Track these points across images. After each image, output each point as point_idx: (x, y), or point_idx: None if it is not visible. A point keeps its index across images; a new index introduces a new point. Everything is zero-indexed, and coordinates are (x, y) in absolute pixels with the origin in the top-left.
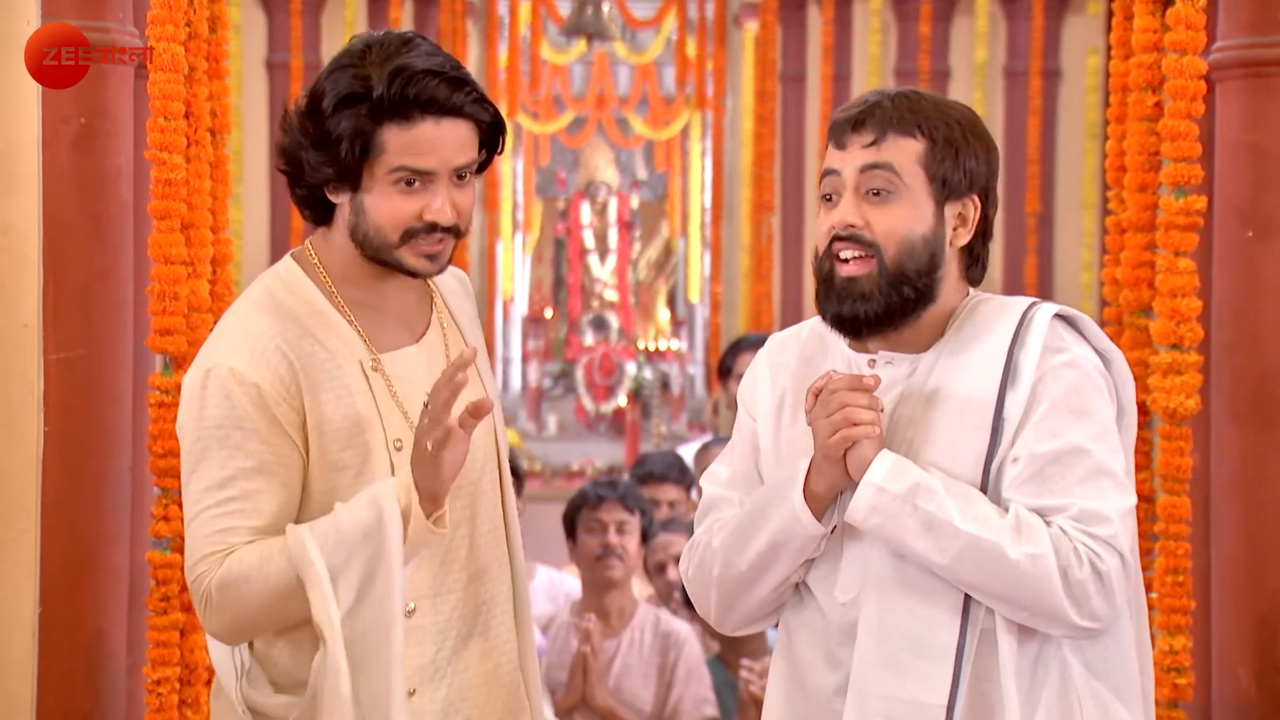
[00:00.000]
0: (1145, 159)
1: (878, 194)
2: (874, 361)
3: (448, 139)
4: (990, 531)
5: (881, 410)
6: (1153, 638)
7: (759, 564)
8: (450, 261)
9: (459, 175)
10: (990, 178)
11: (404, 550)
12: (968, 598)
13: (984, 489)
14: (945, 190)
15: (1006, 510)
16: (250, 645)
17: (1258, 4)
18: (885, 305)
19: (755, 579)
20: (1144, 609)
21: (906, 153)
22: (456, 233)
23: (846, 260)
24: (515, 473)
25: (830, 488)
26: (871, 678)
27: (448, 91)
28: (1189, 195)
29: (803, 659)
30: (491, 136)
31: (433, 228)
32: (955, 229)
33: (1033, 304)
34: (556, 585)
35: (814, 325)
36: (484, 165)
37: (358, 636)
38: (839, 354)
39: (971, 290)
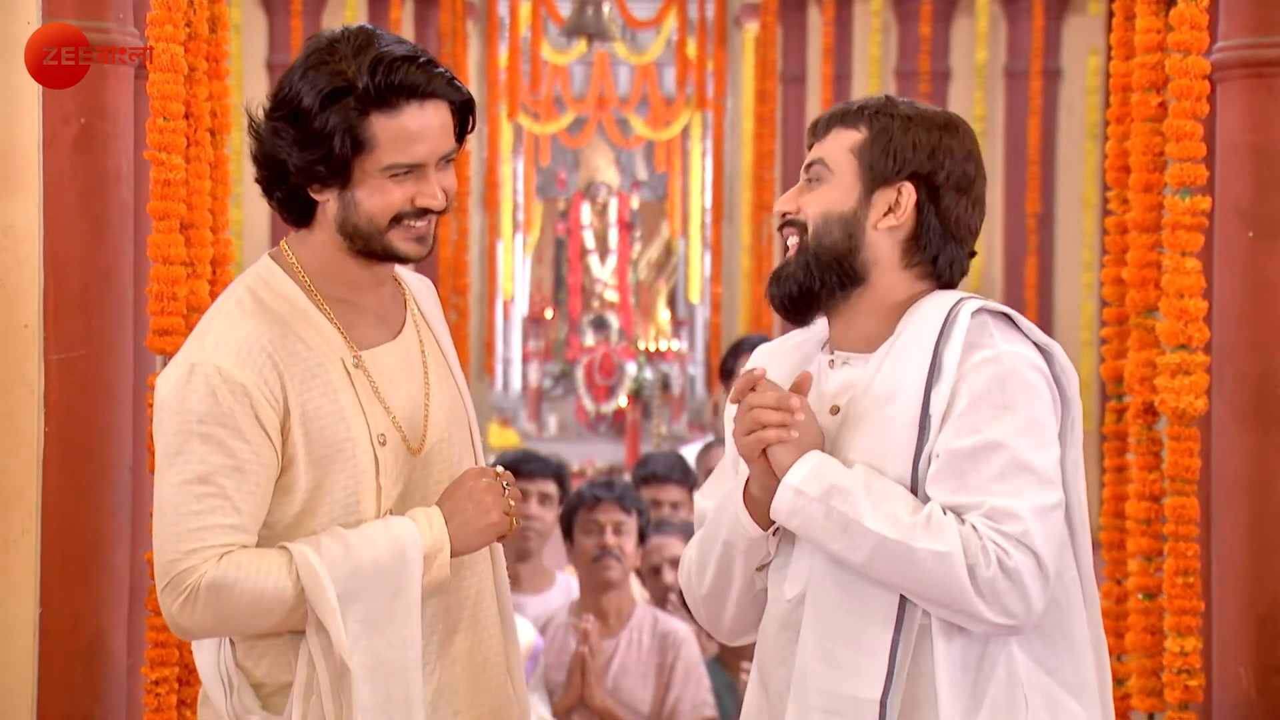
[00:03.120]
0: (1150, 159)
1: (811, 183)
2: (834, 362)
3: (433, 124)
4: (898, 531)
5: (806, 411)
6: (1162, 639)
7: (721, 568)
8: (433, 245)
9: (444, 160)
10: (935, 170)
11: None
12: (903, 595)
13: (914, 485)
14: (872, 175)
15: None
16: (233, 657)
17: (1259, 4)
18: (806, 280)
19: (723, 586)
20: (1096, 605)
21: (842, 142)
22: (439, 213)
23: (788, 247)
24: (561, 483)
25: (762, 489)
26: (811, 672)
27: (425, 75)
28: (1194, 195)
29: (762, 657)
30: (463, 116)
31: (422, 212)
32: (885, 214)
33: (959, 300)
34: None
35: (808, 335)
36: (459, 142)
37: (369, 670)
38: (815, 361)
39: (937, 290)
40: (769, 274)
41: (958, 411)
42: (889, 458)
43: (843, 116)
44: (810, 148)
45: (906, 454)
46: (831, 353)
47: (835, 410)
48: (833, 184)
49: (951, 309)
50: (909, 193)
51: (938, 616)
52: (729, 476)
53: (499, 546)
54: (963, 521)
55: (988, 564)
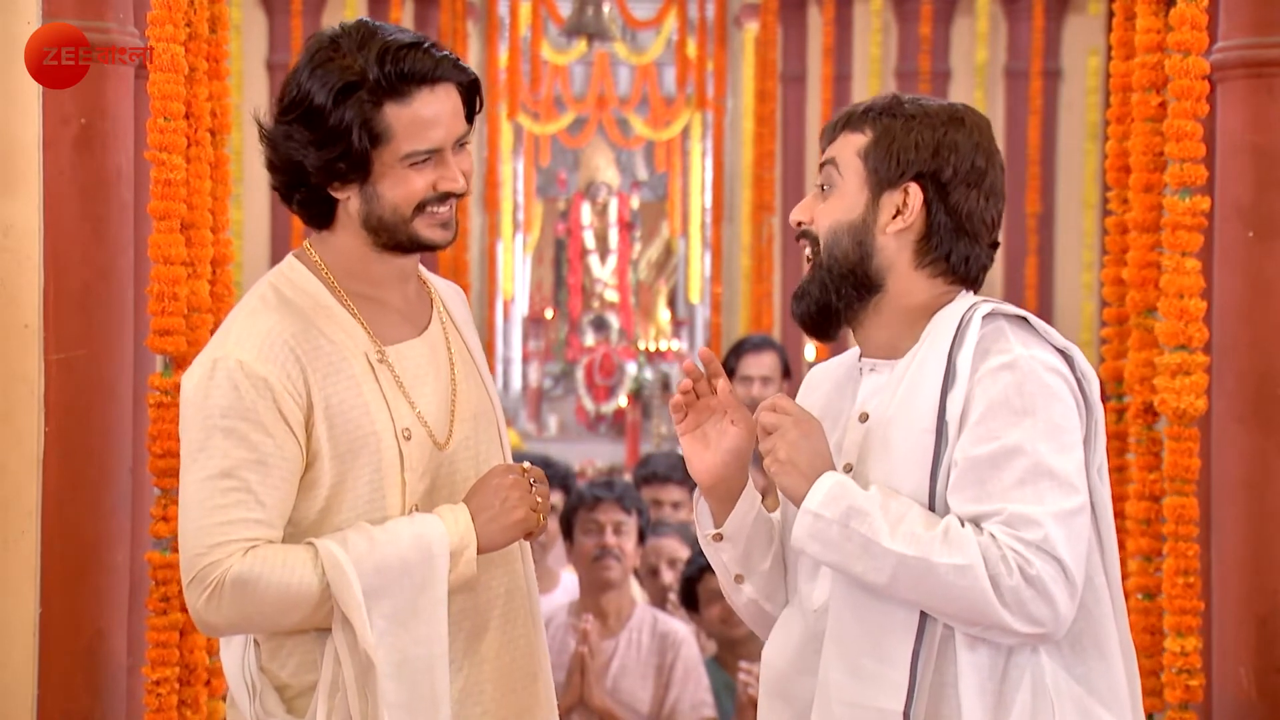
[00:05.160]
0: (1150, 159)
1: (824, 189)
2: (863, 370)
3: (445, 108)
4: (917, 548)
5: (814, 430)
6: (1162, 639)
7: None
8: (457, 230)
9: (459, 143)
10: (941, 167)
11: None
12: None
13: (933, 494)
14: (878, 179)
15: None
16: (258, 660)
17: (1259, 4)
18: (822, 297)
19: (726, 587)
20: (1124, 611)
21: (850, 147)
22: (460, 196)
23: (809, 260)
24: (567, 491)
25: (705, 491)
26: (835, 683)
27: (432, 60)
28: (1194, 196)
29: (785, 667)
30: (471, 97)
31: (444, 197)
32: (894, 217)
33: (971, 305)
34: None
35: (846, 354)
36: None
37: (395, 667)
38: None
39: (964, 293)
40: (767, 274)
41: (974, 418)
42: (908, 467)
43: (849, 119)
44: (822, 152)
45: (924, 462)
46: (861, 359)
47: (864, 417)
48: (842, 191)
49: (965, 314)
50: (915, 193)
51: (966, 633)
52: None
53: (529, 546)
54: (981, 531)
55: (1009, 573)
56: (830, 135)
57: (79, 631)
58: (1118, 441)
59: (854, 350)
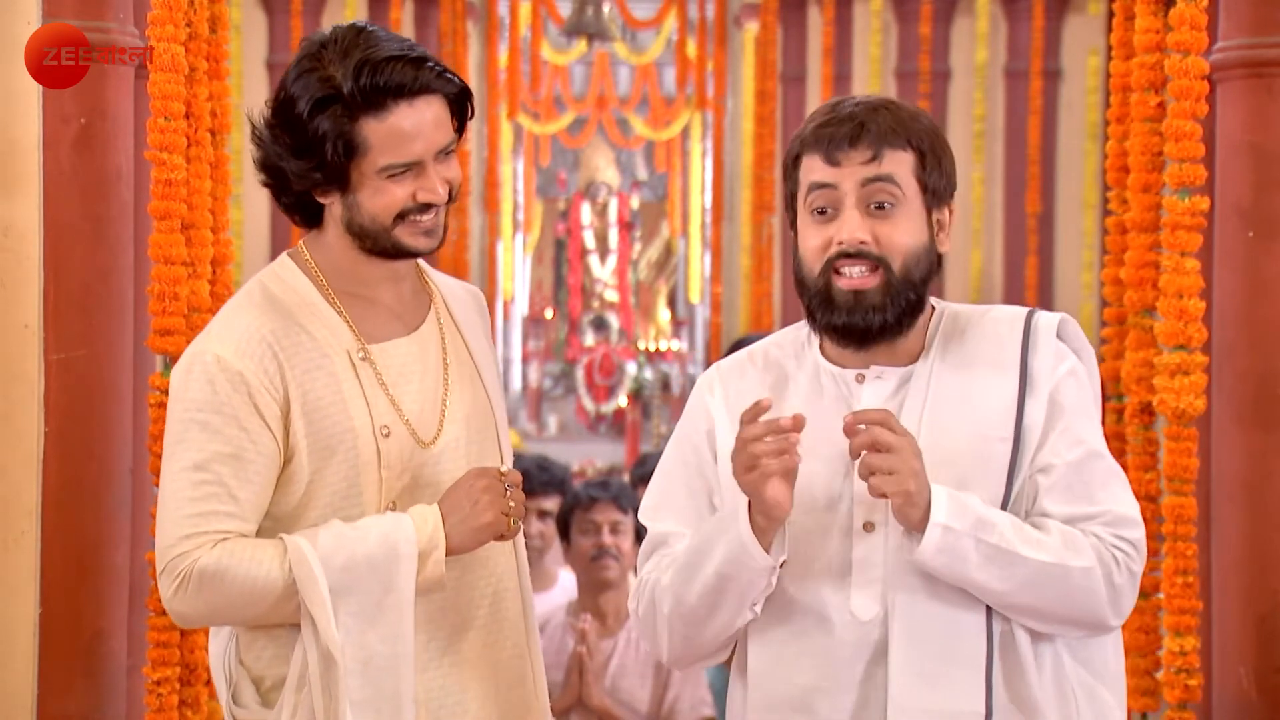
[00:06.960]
0: (1148, 159)
1: (880, 207)
2: (863, 377)
3: (425, 120)
4: (1051, 554)
5: (910, 442)
6: (1159, 639)
7: (707, 599)
8: (444, 235)
9: (445, 151)
10: (954, 179)
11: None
12: (989, 605)
13: (1007, 498)
14: (933, 199)
15: (1031, 519)
16: (237, 652)
17: (1259, 4)
18: (896, 315)
19: (706, 615)
20: None
21: (904, 165)
22: (448, 202)
23: (850, 275)
24: (564, 495)
25: (768, 520)
26: (909, 692)
27: (413, 72)
28: (1193, 196)
29: (810, 683)
30: (461, 106)
31: (426, 206)
32: (938, 235)
33: (1032, 311)
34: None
35: (766, 351)
36: (459, 132)
37: (360, 665)
38: (819, 373)
39: (930, 297)
40: (767, 274)
41: (1062, 425)
42: (982, 472)
43: (890, 135)
44: (837, 164)
45: (999, 470)
46: (863, 366)
47: None
48: (907, 211)
49: (1029, 321)
50: (951, 211)
51: (1043, 630)
52: (705, 514)
53: (523, 548)
54: (1085, 533)
55: (1119, 571)
56: (875, 148)
57: (79, 631)
58: (1116, 442)
59: (765, 354)
